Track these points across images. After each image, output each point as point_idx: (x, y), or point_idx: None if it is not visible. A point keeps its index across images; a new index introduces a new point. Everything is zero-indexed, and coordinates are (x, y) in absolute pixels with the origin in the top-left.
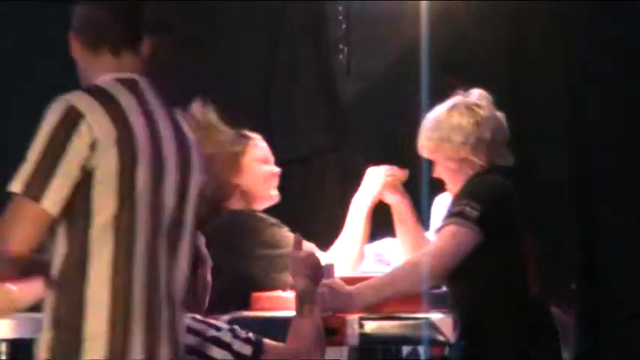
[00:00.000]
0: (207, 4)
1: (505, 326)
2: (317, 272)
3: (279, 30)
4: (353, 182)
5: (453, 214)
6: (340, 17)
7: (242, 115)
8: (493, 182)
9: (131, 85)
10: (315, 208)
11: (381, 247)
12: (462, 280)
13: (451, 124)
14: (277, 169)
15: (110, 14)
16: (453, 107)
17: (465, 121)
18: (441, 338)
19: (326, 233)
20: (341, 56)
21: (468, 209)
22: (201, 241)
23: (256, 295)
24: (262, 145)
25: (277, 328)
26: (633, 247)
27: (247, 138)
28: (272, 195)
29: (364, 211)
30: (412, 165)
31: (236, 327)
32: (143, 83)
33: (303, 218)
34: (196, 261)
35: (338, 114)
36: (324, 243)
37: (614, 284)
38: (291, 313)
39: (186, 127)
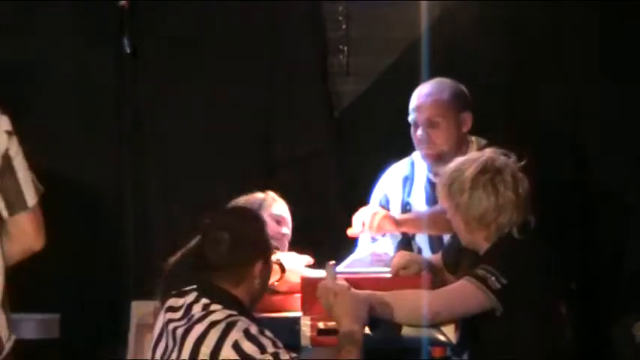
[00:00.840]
0: (207, 4)
1: None
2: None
3: (279, 30)
4: (353, 183)
5: (476, 276)
6: (340, 17)
7: (242, 115)
8: (524, 255)
9: None
10: (315, 209)
11: (377, 248)
12: (483, 345)
13: (473, 198)
14: (287, 232)
15: None
16: (481, 174)
17: (486, 201)
18: (442, 339)
19: (326, 234)
20: (341, 56)
21: (492, 279)
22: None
23: None
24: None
25: (280, 328)
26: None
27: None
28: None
29: None
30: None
31: (280, 351)
32: None
33: (303, 219)
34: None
35: (337, 114)
36: (324, 243)
37: (615, 285)
38: (294, 313)
39: None
